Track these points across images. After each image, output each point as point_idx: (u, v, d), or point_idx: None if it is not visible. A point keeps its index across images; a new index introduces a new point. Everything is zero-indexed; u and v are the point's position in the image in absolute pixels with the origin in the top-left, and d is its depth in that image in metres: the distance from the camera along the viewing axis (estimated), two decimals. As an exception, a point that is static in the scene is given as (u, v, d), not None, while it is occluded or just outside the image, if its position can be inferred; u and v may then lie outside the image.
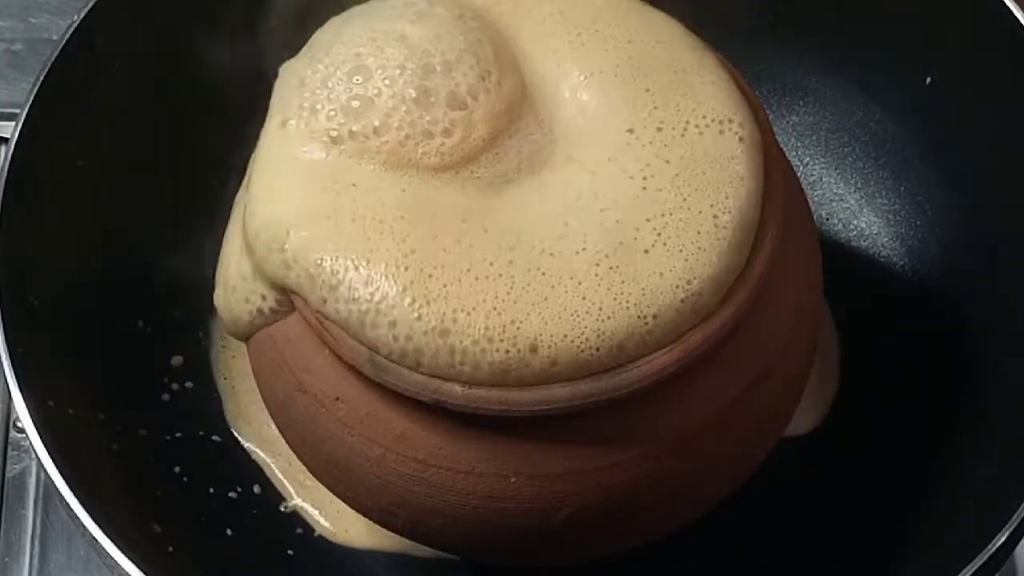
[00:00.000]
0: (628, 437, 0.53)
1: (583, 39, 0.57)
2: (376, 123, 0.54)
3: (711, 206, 0.53)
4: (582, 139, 0.55)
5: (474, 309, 0.51)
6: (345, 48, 0.56)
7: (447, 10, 0.57)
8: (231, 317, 0.57)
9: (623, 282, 0.51)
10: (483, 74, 0.55)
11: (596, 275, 0.51)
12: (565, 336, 0.51)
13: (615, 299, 0.51)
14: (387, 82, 0.54)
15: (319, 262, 0.52)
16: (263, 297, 0.55)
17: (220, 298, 0.58)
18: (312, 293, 0.52)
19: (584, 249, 0.52)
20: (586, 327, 0.51)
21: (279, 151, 0.55)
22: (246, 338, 0.58)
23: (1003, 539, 0.56)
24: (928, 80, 0.71)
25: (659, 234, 0.52)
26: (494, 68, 0.55)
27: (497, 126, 0.55)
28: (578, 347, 0.51)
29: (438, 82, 0.55)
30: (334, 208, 0.53)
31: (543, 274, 0.52)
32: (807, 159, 0.76)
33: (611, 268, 0.52)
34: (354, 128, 0.54)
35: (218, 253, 0.60)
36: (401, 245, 0.52)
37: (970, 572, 0.55)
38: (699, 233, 0.52)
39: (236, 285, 0.56)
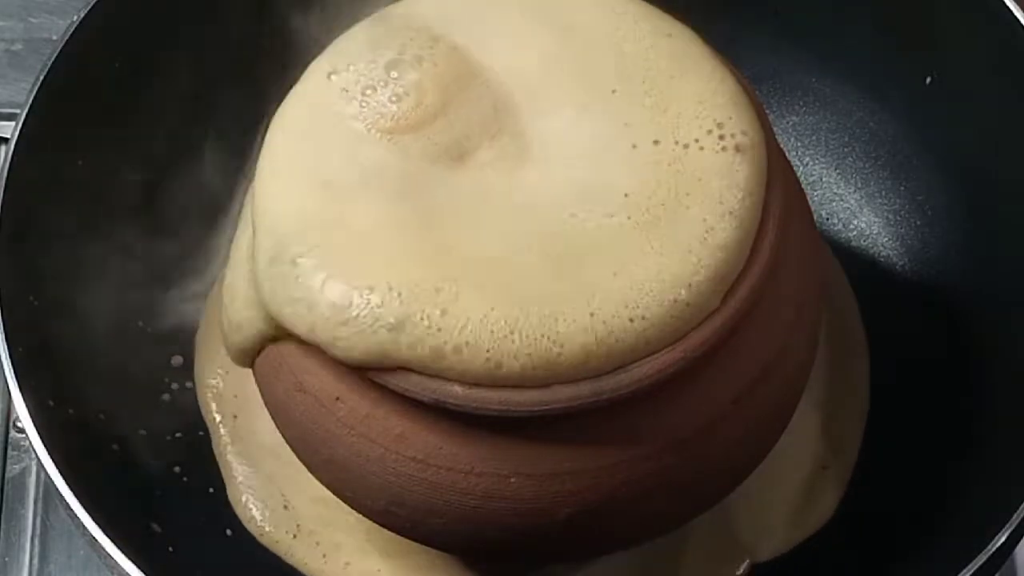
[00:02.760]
0: (628, 437, 0.53)
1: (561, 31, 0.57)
2: (376, 112, 0.55)
3: (708, 205, 0.53)
4: (570, 129, 0.55)
5: (474, 308, 0.51)
6: (343, 57, 0.57)
7: (404, 19, 0.58)
8: (237, 348, 0.57)
9: (621, 281, 0.51)
10: (427, 45, 0.56)
11: (592, 275, 0.51)
12: (565, 336, 0.51)
13: (613, 298, 0.51)
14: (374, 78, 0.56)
15: (320, 273, 0.52)
16: (266, 320, 0.55)
17: (225, 334, 0.58)
18: (312, 315, 0.52)
19: (579, 248, 0.52)
20: (584, 327, 0.51)
21: (280, 153, 0.56)
22: (251, 363, 0.58)
23: (1003, 539, 0.56)
24: (928, 80, 0.71)
25: (655, 233, 0.52)
26: (438, 44, 0.56)
27: (447, 94, 0.55)
28: (577, 347, 0.51)
29: (394, 59, 0.56)
30: (336, 206, 0.53)
31: (539, 272, 0.52)
32: (807, 159, 0.76)
33: (608, 266, 0.52)
34: (350, 113, 0.55)
35: (220, 252, 0.60)
36: (396, 239, 0.52)
37: (970, 572, 0.55)
38: (697, 232, 0.52)
39: (241, 321, 0.56)
